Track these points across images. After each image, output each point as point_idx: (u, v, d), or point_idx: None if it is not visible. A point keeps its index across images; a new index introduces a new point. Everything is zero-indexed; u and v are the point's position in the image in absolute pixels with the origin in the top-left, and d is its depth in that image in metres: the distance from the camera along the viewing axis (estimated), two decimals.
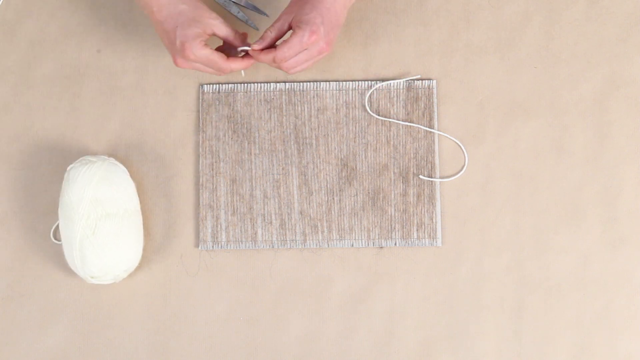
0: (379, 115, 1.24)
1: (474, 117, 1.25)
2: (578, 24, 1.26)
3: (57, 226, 1.23)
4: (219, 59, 1.15)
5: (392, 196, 1.24)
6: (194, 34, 1.14)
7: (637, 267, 1.22)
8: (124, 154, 1.25)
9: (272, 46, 1.17)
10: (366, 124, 1.25)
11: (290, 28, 1.16)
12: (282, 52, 1.14)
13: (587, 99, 1.25)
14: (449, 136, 1.22)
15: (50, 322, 1.23)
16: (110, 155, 1.25)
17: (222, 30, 1.17)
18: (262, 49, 1.16)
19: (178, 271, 1.23)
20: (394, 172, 1.24)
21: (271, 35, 1.16)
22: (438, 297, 1.22)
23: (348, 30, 1.27)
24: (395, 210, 1.23)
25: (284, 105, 1.26)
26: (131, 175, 1.23)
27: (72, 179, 1.18)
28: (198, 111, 1.26)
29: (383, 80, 1.25)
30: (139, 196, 1.23)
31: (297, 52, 1.14)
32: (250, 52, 1.18)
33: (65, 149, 1.25)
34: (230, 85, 1.26)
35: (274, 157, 1.25)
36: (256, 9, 1.27)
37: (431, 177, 1.23)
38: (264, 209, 1.24)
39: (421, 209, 1.23)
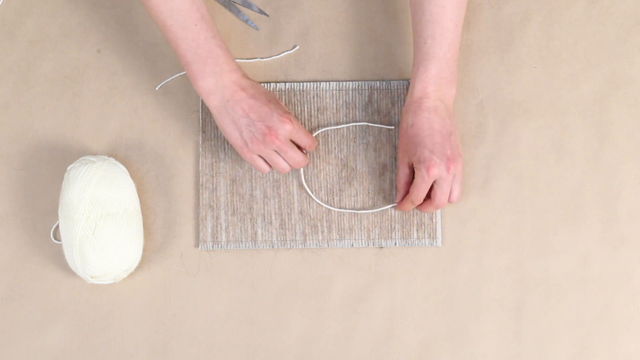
0: (378, 114, 1.24)
1: (474, 117, 1.25)
2: (578, 24, 1.26)
3: (57, 226, 1.23)
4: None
5: (392, 196, 1.24)
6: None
7: (637, 267, 1.22)
8: (124, 154, 1.25)
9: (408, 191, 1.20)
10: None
11: (411, 167, 1.18)
12: (414, 196, 1.17)
13: (587, 99, 1.25)
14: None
15: (50, 322, 1.22)
16: (110, 155, 1.25)
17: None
18: (402, 199, 1.20)
19: (178, 271, 1.23)
20: (394, 172, 1.24)
21: (400, 184, 1.19)
22: (438, 297, 1.22)
23: (348, 30, 1.27)
24: (395, 210, 1.23)
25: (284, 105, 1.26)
26: (131, 175, 1.23)
27: (72, 179, 1.18)
28: (198, 111, 1.26)
29: (383, 80, 1.25)
30: (139, 196, 1.23)
31: (426, 189, 1.16)
32: (397, 206, 1.22)
33: (65, 149, 1.25)
34: None
35: None
36: (256, 9, 1.27)
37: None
38: (264, 209, 1.24)
39: None
